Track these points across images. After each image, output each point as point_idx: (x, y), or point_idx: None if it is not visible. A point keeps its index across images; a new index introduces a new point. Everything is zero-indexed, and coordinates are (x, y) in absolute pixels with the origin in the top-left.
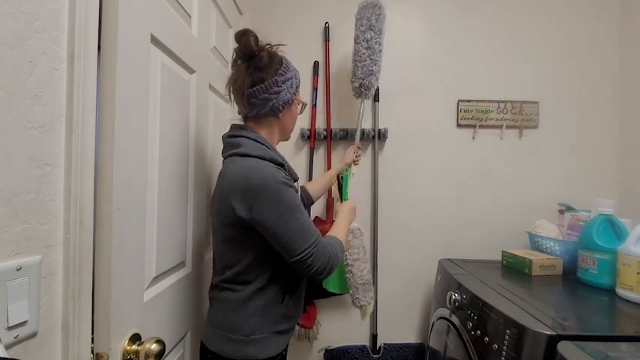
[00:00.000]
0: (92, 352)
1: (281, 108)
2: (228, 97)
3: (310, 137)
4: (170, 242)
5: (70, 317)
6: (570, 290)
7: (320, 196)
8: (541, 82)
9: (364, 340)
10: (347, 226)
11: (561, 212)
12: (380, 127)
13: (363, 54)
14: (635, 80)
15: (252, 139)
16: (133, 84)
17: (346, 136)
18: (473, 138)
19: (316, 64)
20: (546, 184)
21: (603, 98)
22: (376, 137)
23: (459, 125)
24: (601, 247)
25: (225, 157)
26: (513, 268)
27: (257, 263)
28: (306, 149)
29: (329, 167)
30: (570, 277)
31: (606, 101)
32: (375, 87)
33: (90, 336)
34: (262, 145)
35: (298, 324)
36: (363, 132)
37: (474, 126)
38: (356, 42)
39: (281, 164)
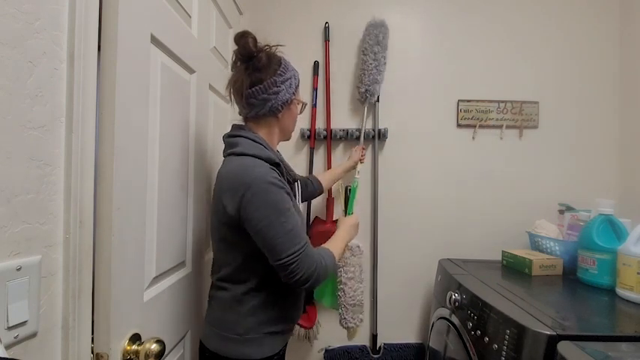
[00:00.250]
0: (92, 352)
1: (280, 108)
2: (229, 98)
3: (310, 137)
4: (170, 242)
5: (70, 317)
6: (570, 290)
7: (330, 187)
8: (541, 82)
9: (364, 340)
10: (345, 241)
11: (561, 212)
12: (380, 127)
13: (371, 64)
14: (635, 80)
15: (249, 138)
16: (133, 84)
17: (346, 136)
18: (473, 138)
19: (316, 64)
20: (546, 184)
21: (603, 98)
22: (376, 137)
23: (459, 125)
24: (601, 247)
25: (224, 157)
26: (513, 268)
27: (249, 263)
28: (306, 149)
29: (329, 167)
30: (570, 277)
31: (606, 101)
32: (378, 93)
33: (90, 336)
34: (259, 145)
35: (298, 324)
36: (364, 132)
37: (474, 126)
38: (364, 53)
39: (277, 164)
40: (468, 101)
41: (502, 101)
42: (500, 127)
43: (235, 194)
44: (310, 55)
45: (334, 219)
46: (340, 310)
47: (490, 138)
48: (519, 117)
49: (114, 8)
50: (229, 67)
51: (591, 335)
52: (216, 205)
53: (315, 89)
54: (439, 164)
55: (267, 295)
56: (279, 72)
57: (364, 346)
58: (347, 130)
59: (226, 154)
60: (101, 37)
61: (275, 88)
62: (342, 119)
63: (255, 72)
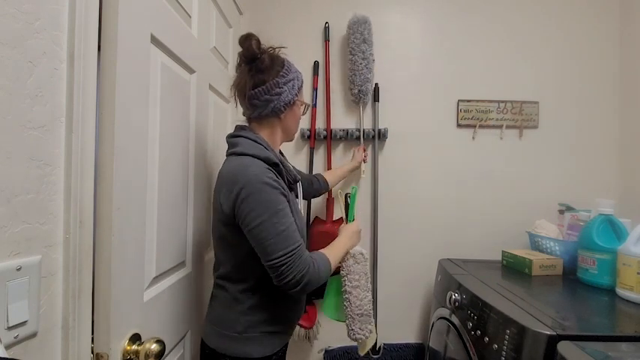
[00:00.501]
0: (92, 352)
1: (282, 109)
2: (233, 99)
3: (310, 137)
4: (170, 242)
5: (70, 317)
6: (570, 290)
7: (336, 184)
8: (541, 82)
9: None
10: (344, 248)
11: (561, 212)
12: (380, 127)
13: (360, 64)
14: (635, 80)
15: (250, 138)
16: (133, 84)
17: (346, 136)
18: (473, 138)
19: (316, 64)
20: (546, 184)
21: (603, 98)
22: (376, 137)
23: (459, 125)
24: (601, 247)
25: (226, 157)
26: (513, 268)
27: (247, 263)
28: (306, 149)
29: (329, 167)
30: (570, 277)
31: (606, 101)
32: (371, 92)
33: (90, 336)
34: (259, 145)
35: (298, 324)
36: (363, 132)
37: (474, 126)
38: (352, 54)
39: (275, 164)
40: (468, 101)
41: (502, 101)
42: (500, 127)
43: (231, 193)
44: (310, 55)
45: (334, 219)
46: (347, 322)
47: (490, 138)
48: (519, 117)
49: (114, 8)
50: (229, 67)
51: (591, 335)
52: (215, 203)
53: (315, 89)
54: (439, 164)
55: (263, 296)
56: (281, 73)
57: None
58: (347, 130)
59: (227, 154)
60: (101, 37)
61: (277, 89)
62: (342, 119)
63: (258, 73)
